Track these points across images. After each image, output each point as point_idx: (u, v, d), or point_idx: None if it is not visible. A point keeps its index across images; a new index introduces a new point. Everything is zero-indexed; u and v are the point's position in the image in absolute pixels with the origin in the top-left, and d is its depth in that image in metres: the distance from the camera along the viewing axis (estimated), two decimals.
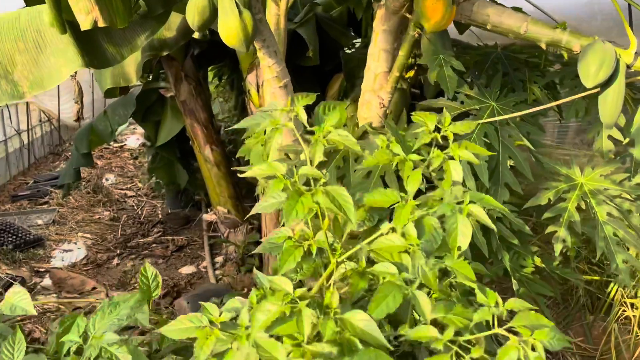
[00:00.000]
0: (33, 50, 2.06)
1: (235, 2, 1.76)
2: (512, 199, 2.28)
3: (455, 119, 2.21)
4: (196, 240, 4.63)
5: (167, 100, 4.27)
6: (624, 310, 2.81)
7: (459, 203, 0.98)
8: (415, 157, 1.06)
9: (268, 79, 2.10)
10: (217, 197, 3.99)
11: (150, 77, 4.37)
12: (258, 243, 3.79)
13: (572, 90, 2.35)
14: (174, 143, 4.54)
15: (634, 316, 2.76)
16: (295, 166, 0.96)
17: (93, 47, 2.27)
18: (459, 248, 0.95)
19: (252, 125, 1.04)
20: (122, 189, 6.41)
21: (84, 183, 6.00)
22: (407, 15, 2.10)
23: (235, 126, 1.13)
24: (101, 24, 1.90)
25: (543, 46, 1.88)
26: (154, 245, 4.61)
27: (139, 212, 5.51)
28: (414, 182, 1.00)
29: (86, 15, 1.85)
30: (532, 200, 2.15)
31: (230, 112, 6.01)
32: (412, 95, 3.25)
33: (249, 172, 1.00)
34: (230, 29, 1.76)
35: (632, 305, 2.81)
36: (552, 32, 1.84)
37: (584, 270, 3.28)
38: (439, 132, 1.15)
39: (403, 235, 0.96)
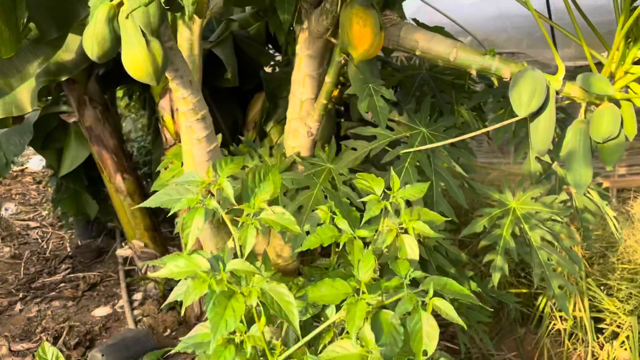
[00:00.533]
0: None
1: (141, 30, 1.54)
2: (447, 226, 2.22)
3: (389, 145, 2.12)
4: (111, 276, 4.23)
5: (70, 125, 3.87)
6: (554, 324, 2.85)
7: (419, 293, 0.84)
8: (364, 233, 0.91)
9: (183, 111, 1.89)
10: (131, 229, 3.66)
11: (50, 99, 3.95)
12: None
13: (498, 112, 2.34)
14: (81, 170, 4.14)
15: (564, 329, 2.81)
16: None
17: None
18: (425, 352, 0.80)
19: (166, 203, 0.85)
20: (24, 220, 5.79)
21: None
22: (332, 39, 1.98)
23: (149, 203, 0.93)
24: None
25: (473, 73, 1.82)
26: (62, 284, 4.16)
27: (44, 246, 4.99)
28: (366, 269, 0.85)
29: None
30: (467, 228, 2.10)
31: (143, 130, 5.64)
32: (337, 112, 3.15)
33: (162, 272, 0.80)
34: (137, 61, 1.54)
35: (561, 317, 2.86)
36: (481, 58, 1.78)
37: (512, 282, 3.33)
38: (388, 199, 1.01)
39: (358, 338, 0.81)
